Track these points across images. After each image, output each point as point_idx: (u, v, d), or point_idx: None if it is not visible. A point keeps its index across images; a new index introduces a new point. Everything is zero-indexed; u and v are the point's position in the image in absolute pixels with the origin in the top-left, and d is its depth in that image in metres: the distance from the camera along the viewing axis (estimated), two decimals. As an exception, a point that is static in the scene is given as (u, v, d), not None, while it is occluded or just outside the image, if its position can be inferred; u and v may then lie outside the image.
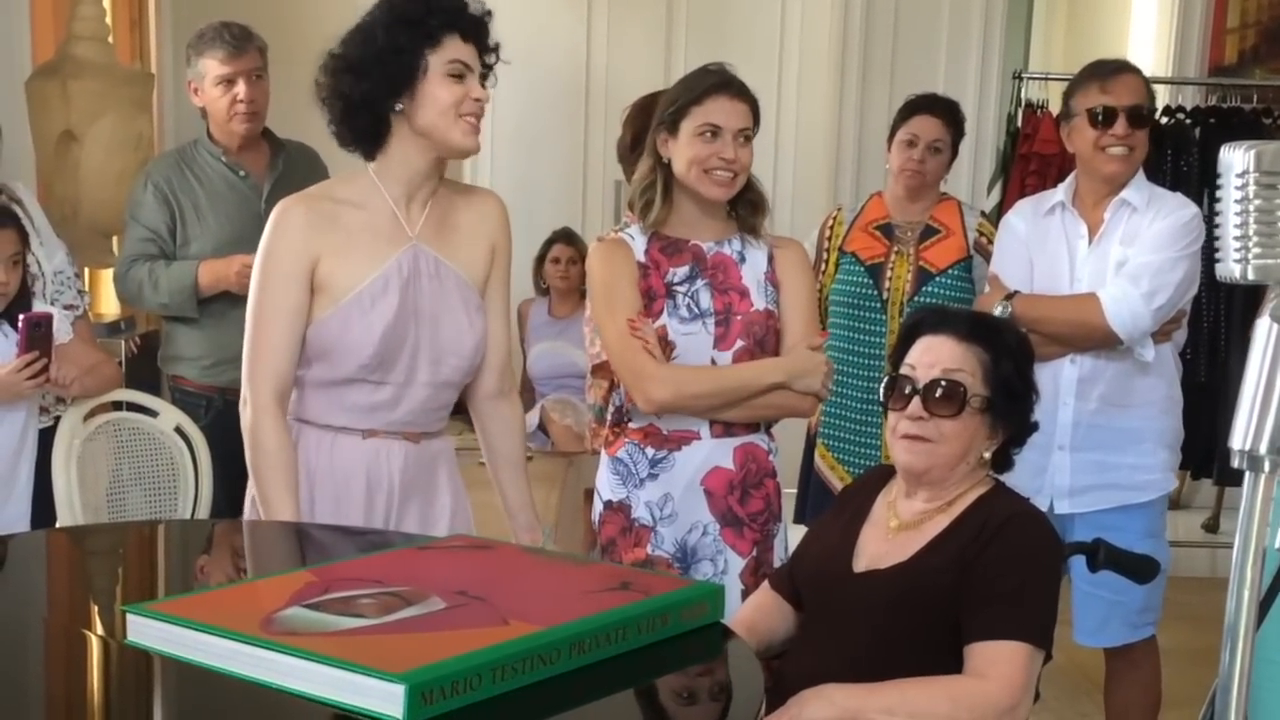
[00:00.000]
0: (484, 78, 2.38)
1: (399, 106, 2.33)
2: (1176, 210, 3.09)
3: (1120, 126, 3.09)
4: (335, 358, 2.37)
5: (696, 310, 2.69)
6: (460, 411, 2.64)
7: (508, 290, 2.58)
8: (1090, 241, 3.14)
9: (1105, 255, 3.10)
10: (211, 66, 3.48)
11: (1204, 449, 4.83)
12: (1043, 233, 3.21)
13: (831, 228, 3.88)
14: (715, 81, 2.66)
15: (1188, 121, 5.11)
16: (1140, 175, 3.17)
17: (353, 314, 2.35)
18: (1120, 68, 3.19)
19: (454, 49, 2.32)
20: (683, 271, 2.70)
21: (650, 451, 2.71)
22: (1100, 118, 3.10)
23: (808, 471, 3.95)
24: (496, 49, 2.40)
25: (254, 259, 3.33)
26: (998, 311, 3.04)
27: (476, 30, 2.35)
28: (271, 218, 2.40)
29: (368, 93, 2.31)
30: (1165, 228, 3.06)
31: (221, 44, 3.47)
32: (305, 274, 2.35)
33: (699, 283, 2.70)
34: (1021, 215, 3.29)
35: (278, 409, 2.36)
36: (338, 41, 2.37)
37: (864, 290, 3.72)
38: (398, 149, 2.38)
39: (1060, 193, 3.23)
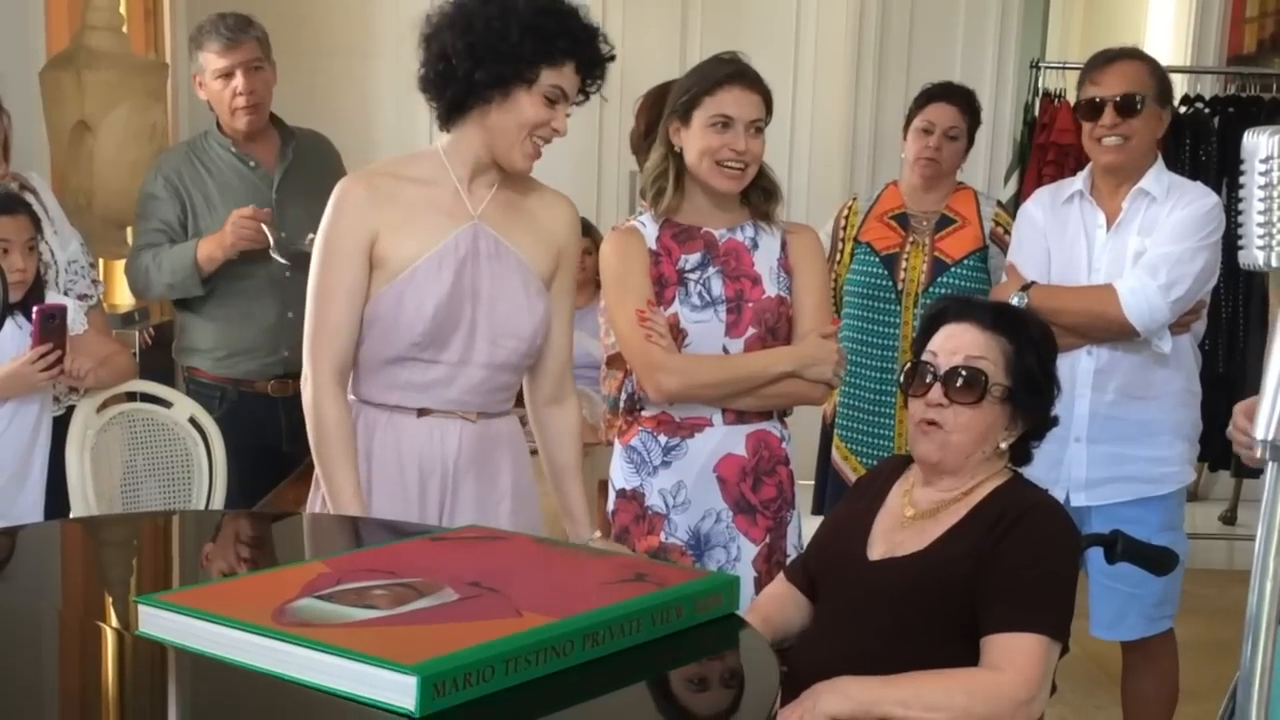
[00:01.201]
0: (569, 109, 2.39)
1: (489, 97, 2.34)
2: (1197, 200, 3.06)
3: (1107, 117, 3.07)
4: (389, 333, 2.37)
5: (708, 298, 2.68)
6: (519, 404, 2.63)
7: (572, 298, 2.57)
8: (1108, 230, 3.12)
9: (1123, 245, 3.08)
10: (210, 60, 3.47)
11: (1222, 440, 4.78)
12: (1061, 221, 3.18)
13: (847, 217, 3.86)
14: (729, 72, 2.65)
15: (1206, 111, 5.07)
16: (1159, 164, 3.14)
17: (406, 290, 2.35)
18: (1112, 57, 3.15)
19: (564, 76, 2.34)
20: (694, 259, 2.69)
21: (663, 439, 2.71)
22: (1089, 109, 3.10)
23: (825, 463, 3.93)
24: (599, 87, 2.41)
25: (249, 210, 3.33)
26: (1014, 301, 3.02)
27: (592, 67, 2.37)
28: (333, 196, 2.40)
29: (471, 73, 2.31)
30: (1185, 218, 3.03)
31: (217, 36, 3.46)
32: (364, 251, 2.35)
33: (711, 270, 2.69)
34: (1040, 204, 3.26)
35: (338, 386, 2.38)
36: None
37: (879, 281, 3.69)
38: (471, 130, 2.39)
39: (1079, 181, 3.21)
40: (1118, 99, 3.07)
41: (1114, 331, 3.04)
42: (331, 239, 2.38)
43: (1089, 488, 3.13)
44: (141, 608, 1.48)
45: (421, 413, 2.42)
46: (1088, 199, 3.16)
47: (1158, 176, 3.11)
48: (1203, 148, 4.93)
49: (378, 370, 2.41)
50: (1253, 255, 1.29)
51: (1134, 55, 3.18)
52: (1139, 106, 3.07)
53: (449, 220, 2.39)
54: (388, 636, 1.37)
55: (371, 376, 2.42)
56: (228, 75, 3.47)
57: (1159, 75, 3.16)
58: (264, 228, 3.34)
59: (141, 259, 3.49)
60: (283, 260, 3.38)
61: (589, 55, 2.36)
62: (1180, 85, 5.35)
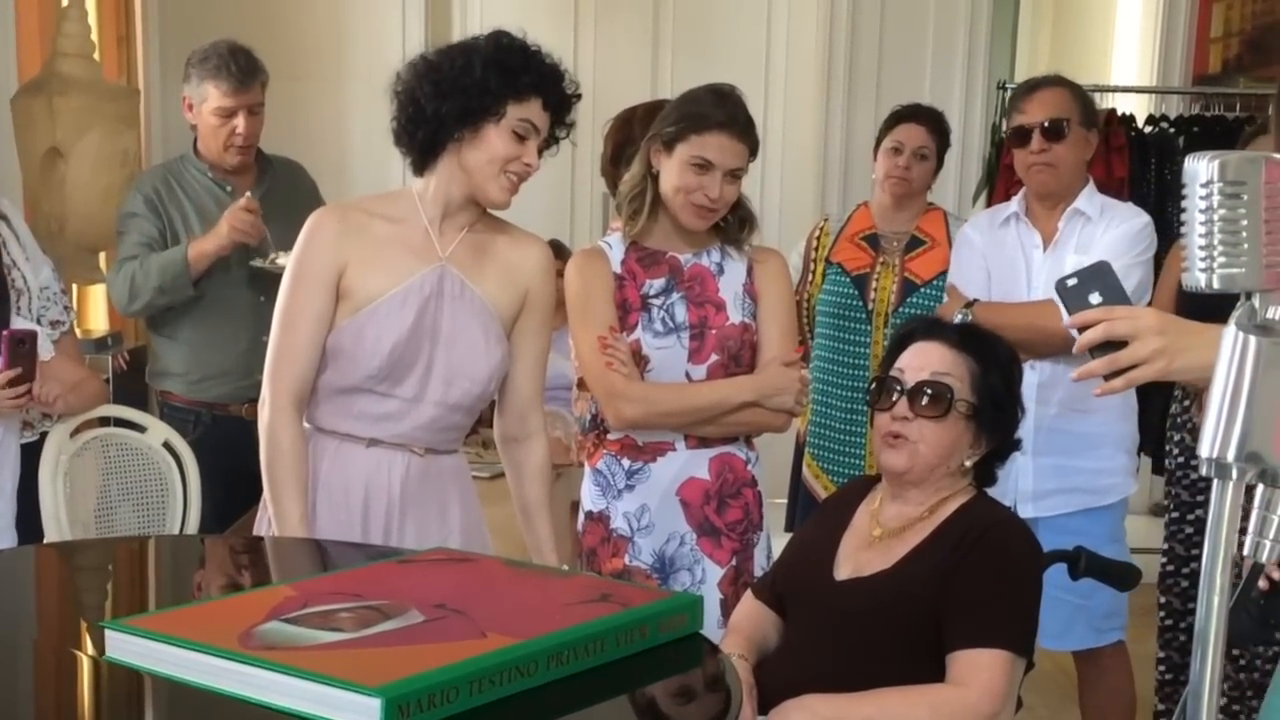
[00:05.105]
0: (545, 147, 2.44)
1: (459, 135, 2.37)
2: (1129, 219, 3.18)
3: (1034, 143, 3.18)
4: (346, 365, 2.41)
5: (671, 324, 2.69)
6: (472, 431, 2.66)
7: (542, 340, 2.58)
8: (1045, 250, 3.21)
9: (1060, 263, 3.14)
10: (213, 95, 3.47)
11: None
12: (998, 243, 3.28)
13: (818, 238, 3.90)
14: (721, 119, 2.63)
15: (1171, 130, 5.13)
16: (1090, 187, 3.26)
17: (367, 325, 2.39)
18: (1035, 85, 3.29)
19: (531, 110, 2.37)
20: (659, 284, 2.71)
21: (626, 463, 2.72)
22: (1017, 136, 3.22)
23: (797, 481, 3.96)
24: (570, 127, 2.46)
25: (245, 201, 3.34)
26: (958, 319, 3.08)
27: (559, 105, 2.42)
28: (306, 226, 2.45)
29: (439, 110, 2.36)
30: (1119, 236, 3.14)
31: (227, 76, 3.45)
32: (332, 280, 2.40)
33: (675, 295, 2.70)
34: (977, 227, 3.38)
35: (295, 411, 2.42)
36: (435, 50, 2.44)
37: (849, 301, 3.73)
38: (443, 173, 2.43)
39: (1014, 204, 3.33)
40: (1043, 125, 3.18)
41: (1055, 345, 3.08)
42: (301, 267, 2.42)
43: (1035, 499, 3.18)
44: (109, 632, 1.49)
45: (371, 443, 2.45)
46: (1023, 221, 3.27)
47: (1090, 198, 3.23)
48: (1168, 167, 4.99)
49: (333, 398, 2.45)
50: (1195, 277, 1.32)
51: (1056, 82, 3.30)
52: (1064, 131, 3.17)
53: (416, 260, 2.42)
54: (352, 659, 1.39)
55: (327, 403, 2.46)
56: (229, 115, 3.49)
57: (1083, 99, 3.28)
58: (260, 223, 3.37)
59: (126, 268, 3.48)
60: (264, 266, 3.41)
61: (554, 92, 2.40)
62: (1146, 105, 5.43)
